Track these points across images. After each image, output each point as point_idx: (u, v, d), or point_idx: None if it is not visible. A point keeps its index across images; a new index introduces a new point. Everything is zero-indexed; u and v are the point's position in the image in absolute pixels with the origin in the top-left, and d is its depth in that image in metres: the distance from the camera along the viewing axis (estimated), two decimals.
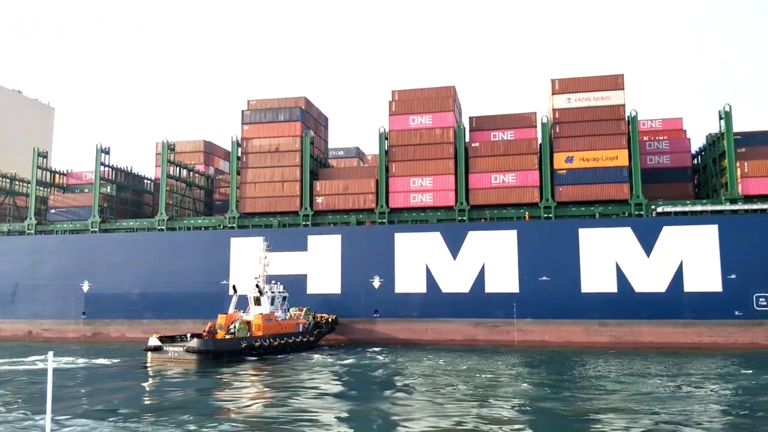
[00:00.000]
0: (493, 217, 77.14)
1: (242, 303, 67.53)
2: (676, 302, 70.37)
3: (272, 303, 66.87)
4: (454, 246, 75.78)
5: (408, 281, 76.73)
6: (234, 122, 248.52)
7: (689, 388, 42.58)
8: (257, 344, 60.59)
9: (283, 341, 64.03)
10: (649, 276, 71.16)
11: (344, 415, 35.16)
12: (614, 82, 76.19)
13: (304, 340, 67.51)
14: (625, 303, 71.22)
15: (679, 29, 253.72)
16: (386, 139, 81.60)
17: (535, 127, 79.85)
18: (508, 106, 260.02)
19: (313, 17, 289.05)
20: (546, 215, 75.57)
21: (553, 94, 77.83)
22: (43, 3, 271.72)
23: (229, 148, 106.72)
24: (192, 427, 31.58)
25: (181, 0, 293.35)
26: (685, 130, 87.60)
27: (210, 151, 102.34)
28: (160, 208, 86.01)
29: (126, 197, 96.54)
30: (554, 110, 77.21)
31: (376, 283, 77.36)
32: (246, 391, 45.68)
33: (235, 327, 61.46)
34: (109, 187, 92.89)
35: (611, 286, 71.85)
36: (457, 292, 75.08)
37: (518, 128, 79.64)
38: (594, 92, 76.28)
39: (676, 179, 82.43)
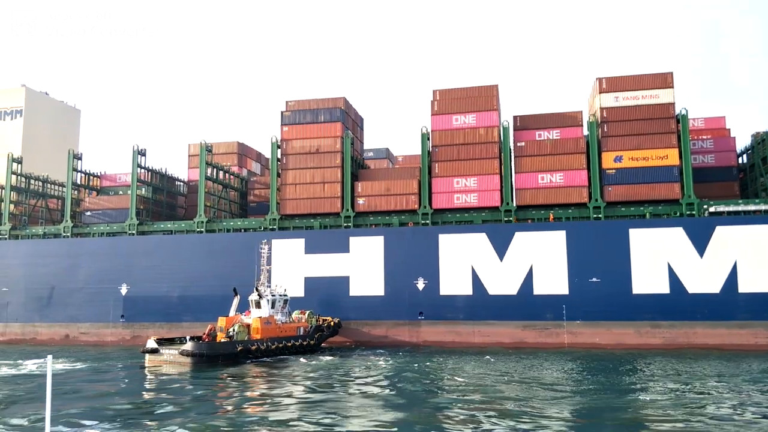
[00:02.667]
0: (541, 218, 76.08)
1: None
2: (730, 303, 69.11)
3: (273, 306, 66.67)
4: (501, 247, 74.64)
5: (453, 283, 75.60)
6: (264, 123, 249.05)
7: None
8: (254, 347, 60.10)
9: (281, 344, 63.53)
10: (703, 276, 69.93)
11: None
12: (663, 81, 75.07)
13: (304, 343, 66.91)
14: (678, 304, 69.98)
15: (713, 29, 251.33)
16: (428, 139, 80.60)
17: (581, 126, 78.74)
18: (545, 104, 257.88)
19: (334, 17, 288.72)
20: (595, 215, 74.42)
21: (600, 92, 76.68)
22: (42, 3, 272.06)
23: (259, 149, 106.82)
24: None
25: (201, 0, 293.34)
26: (729, 129, 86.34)
27: (243, 152, 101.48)
28: (199, 209, 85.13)
29: (161, 199, 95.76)
30: (602, 109, 76.07)
31: (420, 284, 76.28)
32: (222, 394, 45.04)
33: (234, 330, 61.17)
34: (144, 189, 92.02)
35: (663, 287, 70.62)
36: (505, 294, 73.94)
37: (564, 127, 78.50)
38: (642, 90, 75.17)
39: (722, 178, 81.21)
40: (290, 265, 79.66)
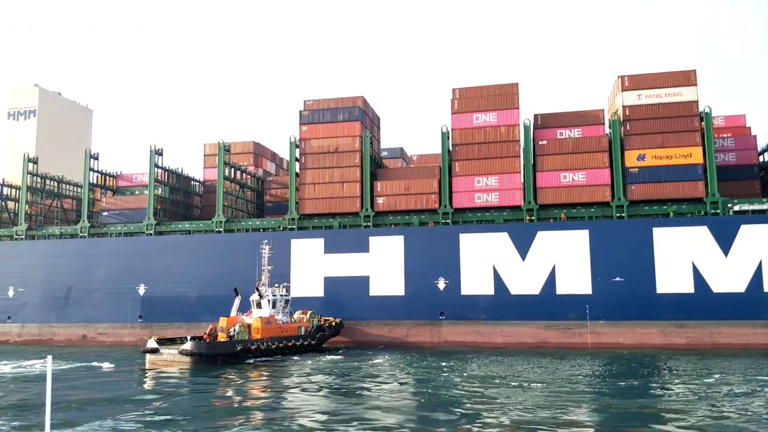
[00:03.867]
0: (564, 217, 75.59)
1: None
2: (755, 302, 68.58)
3: (274, 306, 67.07)
4: (523, 246, 74.14)
5: (474, 283, 75.11)
6: (279, 123, 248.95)
7: None
8: (253, 347, 60.32)
9: (282, 344, 63.81)
10: (728, 276, 69.40)
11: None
12: (686, 78, 74.57)
13: (305, 343, 67.11)
14: (702, 304, 69.46)
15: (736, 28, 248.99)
16: (448, 138, 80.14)
17: (603, 124, 78.27)
18: (560, 103, 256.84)
19: (348, 16, 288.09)
20: (618, 214, 73.90)
21: (622, 90, 76.15)
22: (42, 3, 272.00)
23: (274, 149, 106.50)
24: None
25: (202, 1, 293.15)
26: (749, 127, 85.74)
27: (259, 152, 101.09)
28: (217, 209, 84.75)
29: (177, 199, 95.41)
30: (624, 107, 75.56)
31: (441, 284, 75.81)
32: (218, 393, 45.45)
33: (235, 330, 61.51)
34: (161, 189, 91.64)
35: (688, 287, 70.10)
36: (527, 294, 73.45)
37: (585, 126, 78.03)
38: (665, 88, 74.66)
39: (743, 177, 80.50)
40: (310, 265, 79.31)
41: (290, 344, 65.07)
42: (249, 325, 63.29)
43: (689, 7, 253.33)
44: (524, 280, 73.66)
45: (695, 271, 70.08)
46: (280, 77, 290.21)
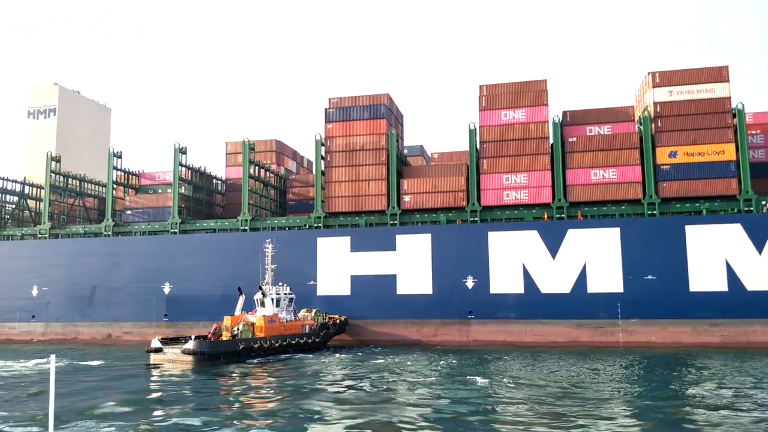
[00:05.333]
0: (594, 215, 74.90)
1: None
2: None
3: (277, 305, 67.18)
4: (553, 245, 73.51)
5: (504, 281, 74.52)
6: (292, 121, 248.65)
7: None
8: (256, 345, 60.26)
9: (285, 342, 63.76)
10: (762, 274, 68.62)
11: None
12: (718, 74, 73.75)
13: (309, 341, 66.97)
14: (736, 302, 68.69)
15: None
16: (476, 135, 79.53)
17: (633, 121, 77.52)
18: (580, 101, 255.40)
19: (367, 14, 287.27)
20: (650, 212, 73.17)
21: (653, 87, 75.34)
22: (42, 3, 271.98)
23: (295, 147, 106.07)
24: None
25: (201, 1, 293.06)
26: None
27: (280, 150, 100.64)
28: (243, 208, 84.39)
29: (200, 198, 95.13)
30: (655, 104, 74.75)
31: (470, 283, 75.24)
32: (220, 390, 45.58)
33: (238, 329, 61.56)
34: (184, 188, 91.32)
35: (721, 285, 69.34)
36: (558, 293, 72.83)
37: (615, 122, 77.36)
38: (697, 85, 73.84)
39: None
40: (336, 264, 78.86)
41: (294, 342, 65.12)
42: (252, 324, 63.45)
43: (689, 7, 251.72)
44: (555, 279, 73.04)
45: (729, 269, 69.31)
46: (299, 75, 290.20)
